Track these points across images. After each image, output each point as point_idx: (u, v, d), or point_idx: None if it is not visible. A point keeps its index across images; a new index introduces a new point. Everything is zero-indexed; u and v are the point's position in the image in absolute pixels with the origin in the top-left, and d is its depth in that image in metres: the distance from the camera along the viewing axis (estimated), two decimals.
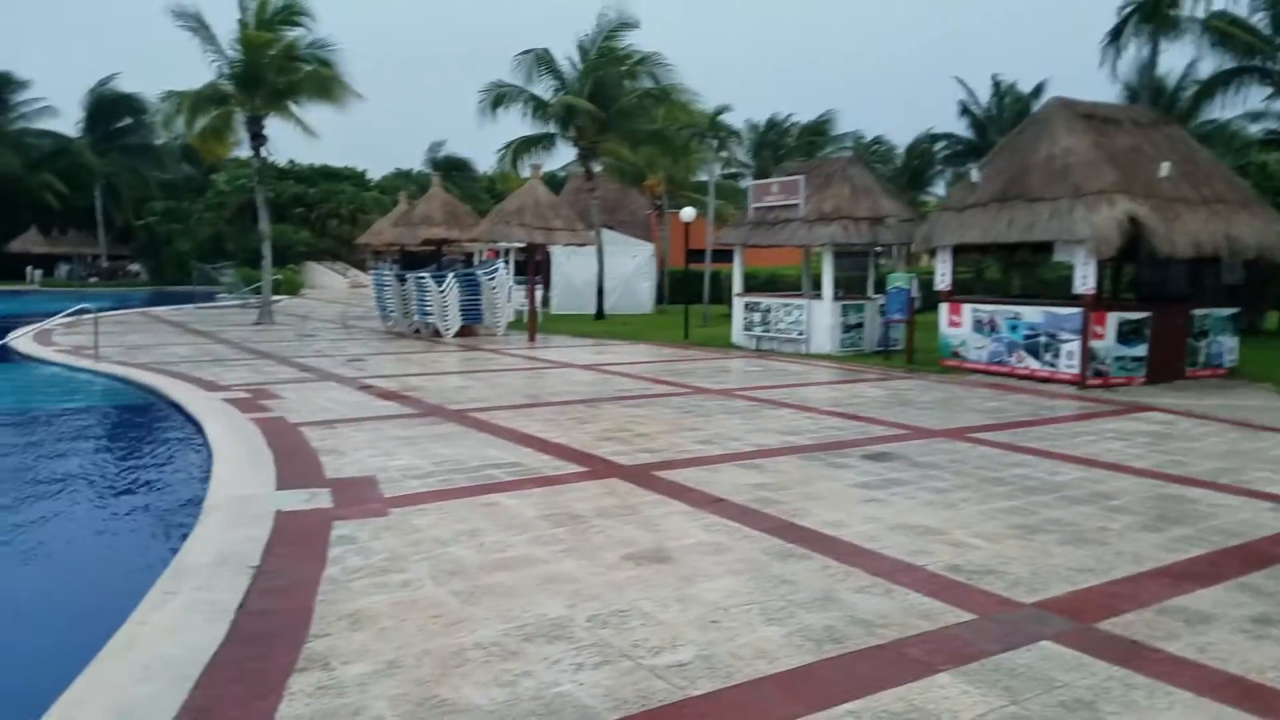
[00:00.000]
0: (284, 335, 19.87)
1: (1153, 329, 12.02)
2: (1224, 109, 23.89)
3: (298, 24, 22.33)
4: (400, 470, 6.82)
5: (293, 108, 22.80)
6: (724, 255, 18.98)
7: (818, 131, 36.04)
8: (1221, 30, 21.58)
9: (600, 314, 25.46)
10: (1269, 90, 22.54)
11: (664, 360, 15.24)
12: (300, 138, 26.62)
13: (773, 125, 36.79)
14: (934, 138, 36.55)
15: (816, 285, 16.98)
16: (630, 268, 28.40)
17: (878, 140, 39.61)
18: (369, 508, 5.76)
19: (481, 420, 9.05)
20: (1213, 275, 13.73)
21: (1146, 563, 4.80)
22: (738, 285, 18.27)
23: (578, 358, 15.58)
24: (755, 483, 6.49)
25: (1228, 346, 12.95)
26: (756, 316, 17.40)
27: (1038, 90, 32.66)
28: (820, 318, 16.22)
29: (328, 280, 52.47)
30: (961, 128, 35.03)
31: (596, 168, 27.87)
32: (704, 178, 30.08)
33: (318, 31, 22.95)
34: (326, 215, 54.80)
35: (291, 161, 53.45)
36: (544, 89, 25.63)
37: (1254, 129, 24.81)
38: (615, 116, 24.91)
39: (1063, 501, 6.05)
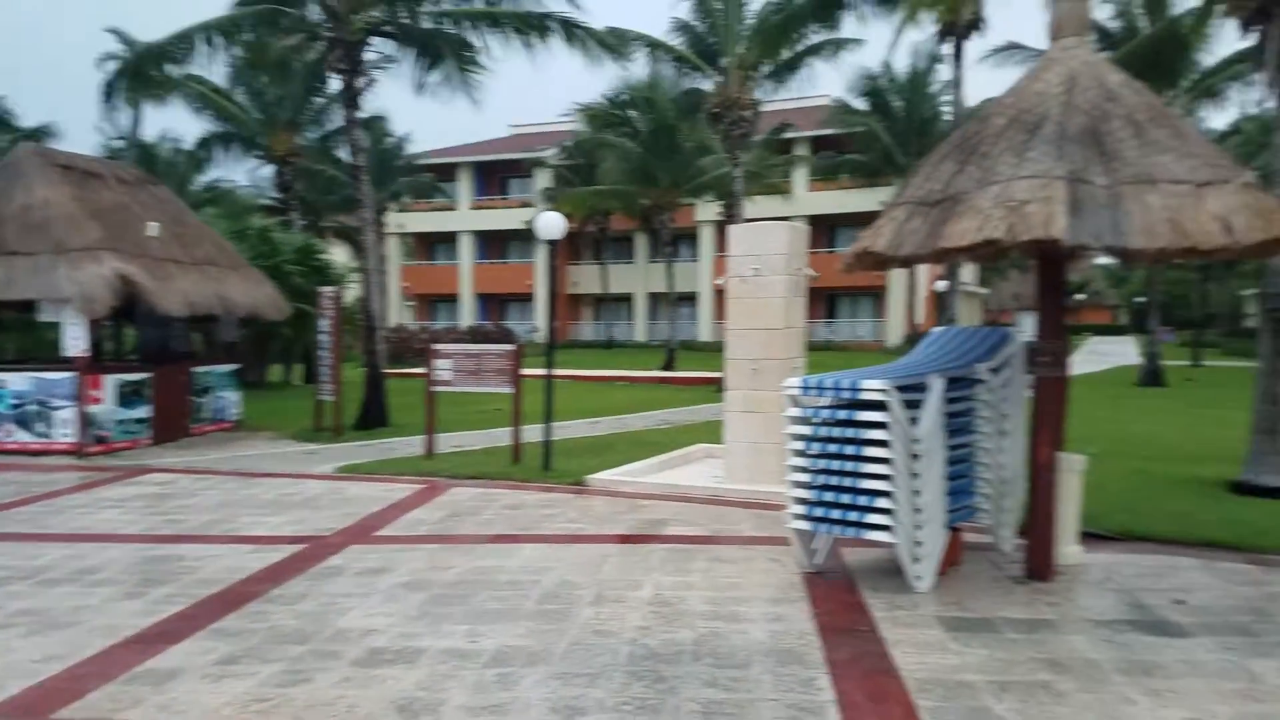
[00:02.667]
0: None
1: (155, 389, 12.23)
2: (227, 173, 26.19)
3: None
4: None
5: None
6: None
7: None
8: (206, 97, 23.51)
9: None
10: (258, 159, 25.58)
11: None
12: None
13: None
14: None
15: None
16: None
17: None
18: None
19: None
20: (215, 334, 14.77)
21: (123, 632, 4.69)
22: None
23: None
24: None
25: (231, 400, 14.08)
26: None
27: (41, 132, 29.46)
28: None
29: None
30: None
31: None
32: None
33: None
34: None
35: None
36: None
37: (254, 195, 27.92)
38: None
39: (40, 586, 5.51)
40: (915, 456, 5.22)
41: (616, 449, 11.04)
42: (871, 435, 5.19)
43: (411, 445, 11.57)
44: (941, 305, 20.92)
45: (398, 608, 5.10)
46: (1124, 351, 38.52)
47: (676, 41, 21.66)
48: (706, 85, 21.78)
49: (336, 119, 24.32)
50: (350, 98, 13.96)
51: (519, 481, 9.11)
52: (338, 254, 26.64)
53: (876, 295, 41.13)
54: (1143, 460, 10.61)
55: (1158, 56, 11.41)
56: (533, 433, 10.34)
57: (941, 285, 21.78)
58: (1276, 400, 8.72)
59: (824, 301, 42.95)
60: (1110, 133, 4.76)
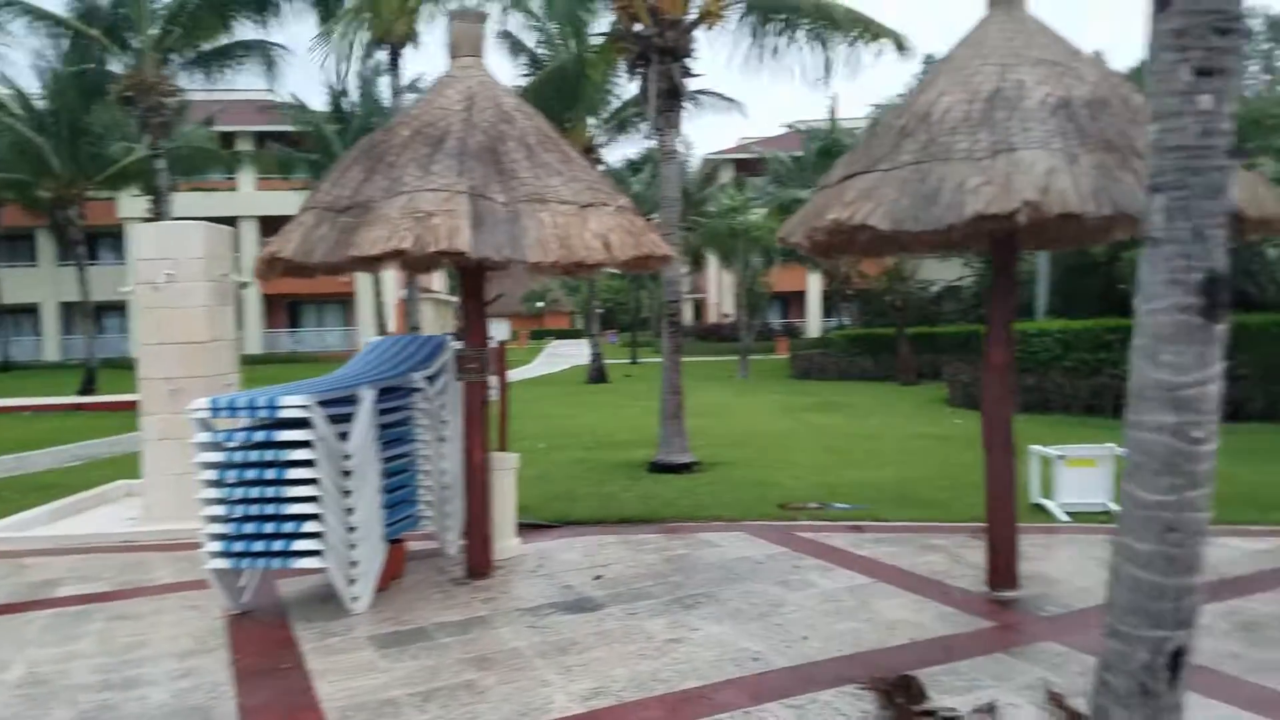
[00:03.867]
0: None
1: None
2: None
3: None
4: None
5: None
6: None
7: None
8: None
9: None
10: None
11: None
12: None
13: None
14: None
15: None
16: None
17: None
18: None
19: None
20: None
21: None
22: None
23: None
24: None
25: None
26: None
27: None
28: None
29: None
30: None
31: None
32: None
33: None
34: None
35: None
36: None
37: None
38: None
39: None
40: (346, 474, 5.16)
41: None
42: (294, 456, 4.99)
43: None
44: (410, 313, 21.31)
45: None
46: (579, 353, 43.32)
47: (68, 13, 18.73)
48: (118, 66, 19.27)
49: None
50: None
51: None
52: None
53: (344, 302, 40.50)
54: (585, 450, 12.01)
55: (568, 86, 13.02)
56: None
57: (403, 293, 22.18)
58: (677, 390, 10.49)
59: (286, 310, 41.09)
60: (507, 153, 5.23)
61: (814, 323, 44.64)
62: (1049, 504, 7.65)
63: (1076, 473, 7.53)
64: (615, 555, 6.52)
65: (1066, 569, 5.92)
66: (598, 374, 26.57)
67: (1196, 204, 2.43)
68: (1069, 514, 7.42)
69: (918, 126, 5.04)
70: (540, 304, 69.68)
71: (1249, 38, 28.51)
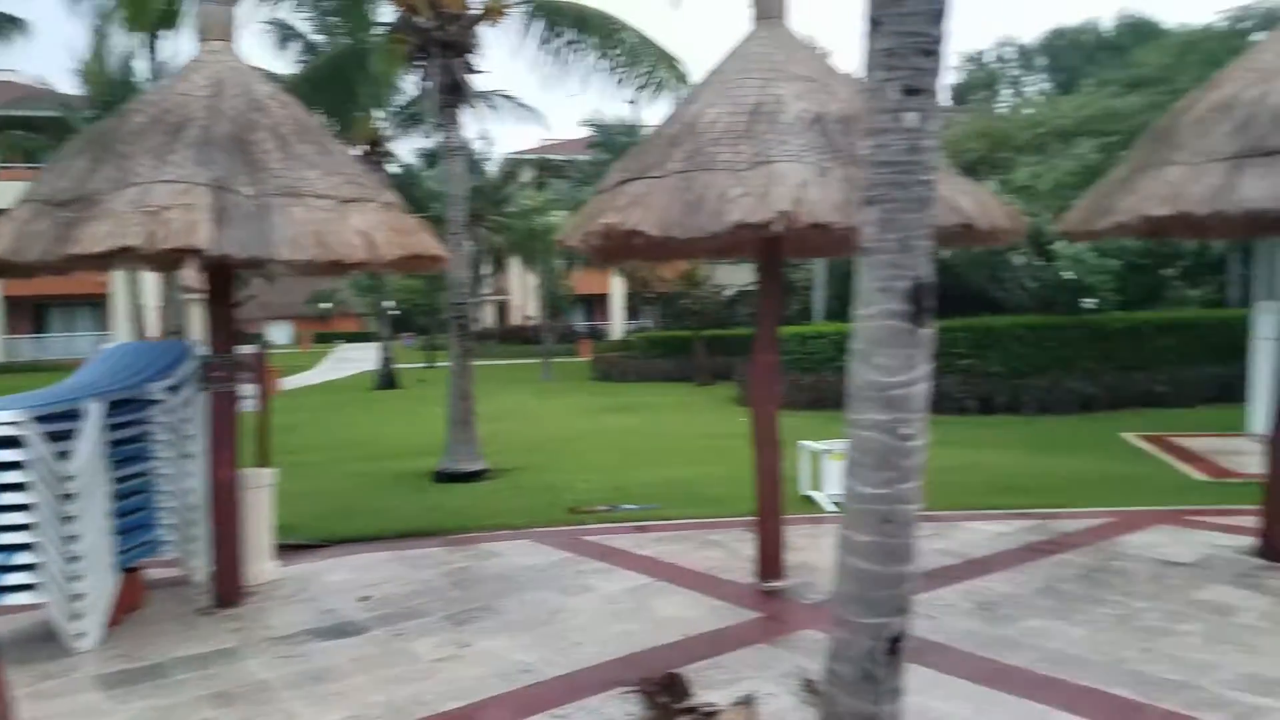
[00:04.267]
0: None
1: None
2: None
3: None
4: None
5: None
6: None
7: None
8: None
9: None
10: None
11: None
12: None
13: None
14: None
15: None
16: None
17: None
18: None
19: None
20: None
21: None
22: None
23: None
24: None
25: None
26: None
27: None
28: None
29: None
30: None
31: None
32: None
33: None
34: None
35: None
36: None
37: None
38: None
39: None
40: (68, 497, 4.66)
41: None
42: (4, 479, 4.45)
43: None
44: (171, 316, 19.71)
45: None
46: (369, 357, 41.73)
47: None
48: None
49: None
50: None
51: None
52: None
53: (98, 304, 36.98)
54: (366, 461, 11.53)
55: (346, 76, 12.43)
56: None
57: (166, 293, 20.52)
58: (466, 395, 10.29)
59: (31, 313, 37.12)
60: (257, 143, 4.91)
61: (617, 325, 45.30)
62: (817, 495, 8.10)
63: (841, 465, 8.01)
64: (389, 573, 6.28)
65: (830, 557, 6.25)
66: (387, 379, 25.68)
67: (904, 216, 2.62)
68: (835, 504, 7.88)
69: (686, 136, 5.19)
70: (328, 305, 66.40)
71: (1006, 63, 31.64)
